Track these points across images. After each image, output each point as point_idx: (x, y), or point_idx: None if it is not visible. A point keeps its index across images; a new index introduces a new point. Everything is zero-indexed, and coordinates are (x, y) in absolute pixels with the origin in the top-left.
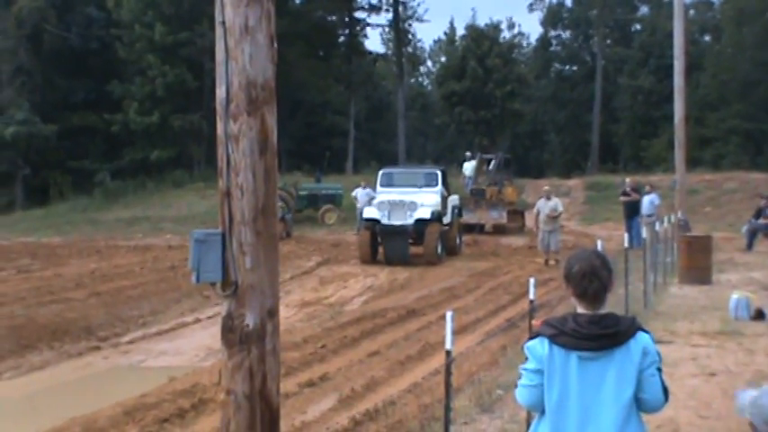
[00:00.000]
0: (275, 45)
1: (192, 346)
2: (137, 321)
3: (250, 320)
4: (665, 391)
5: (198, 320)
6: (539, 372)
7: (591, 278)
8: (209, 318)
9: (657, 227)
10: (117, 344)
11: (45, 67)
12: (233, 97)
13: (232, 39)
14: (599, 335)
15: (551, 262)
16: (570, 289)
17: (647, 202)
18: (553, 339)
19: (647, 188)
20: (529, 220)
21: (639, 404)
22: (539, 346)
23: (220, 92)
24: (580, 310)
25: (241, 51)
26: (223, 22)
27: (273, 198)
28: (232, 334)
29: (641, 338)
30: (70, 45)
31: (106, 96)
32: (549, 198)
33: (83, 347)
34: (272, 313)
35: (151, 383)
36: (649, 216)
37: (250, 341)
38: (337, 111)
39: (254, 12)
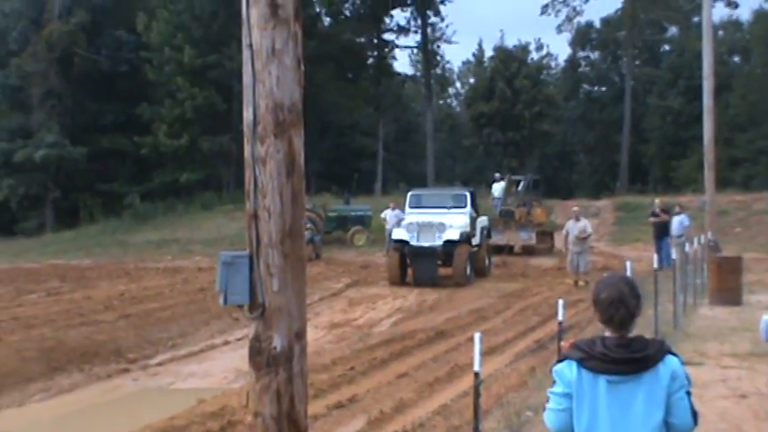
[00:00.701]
0: (302, 67)
1: (221, 369)
2: (166, 343)
3: (277, 342)
4: (695, 414)
5: (227, 342)
6: (567, 396)
7: (618, 306)
8: (239, 340)
9: (687, 248)
10: (146, 366)
11: (75, 89)
12: (260, 120)
13: (259, 61)
14: (628, 359)
15: (581, 283)
16: (598, 315)
17: (677, 223)
18: (581, 363)
19: (677, 209)
20: (558, 241)
21: (668, 428)
22: (567, 370)
23: (247, 114)
24: (607, 333)
25: (268, 74)
26: (250, 45)
27: (301, 220)
28: (260, 356)
29: (670, 362)
30: (100, 68)
31: (135, 119)
32: (578, 219)
33: (112, 370)
34: (300, 335)
35: (180, 406)
36: (679, 237)
37: (278, 363)
38: (366, 132)
39: (281, 34)
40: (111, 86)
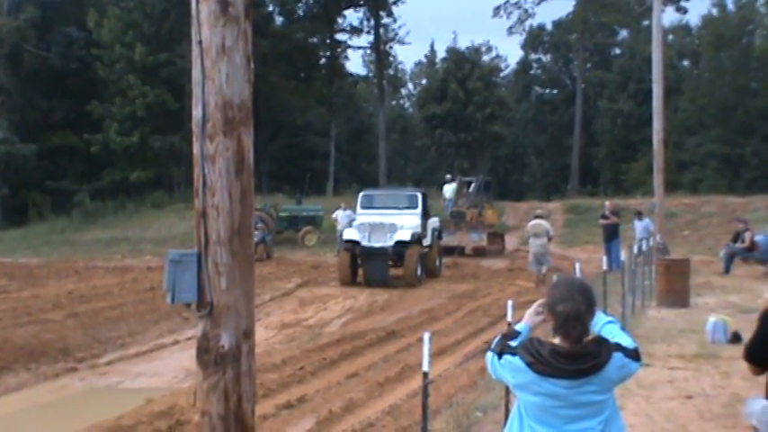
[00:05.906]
0: (252, 65)
1: (170, 368)
2: (115, 343)
3: (225, 341)
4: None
5: (176, 342)
6: (514, 385)
7: (575, 324)
8: (188, 339)
9: (644, 246)
10: (94, 365)
11: (24, 86)
12: (209, 117)
13: (209, 59)
14: (576, 370)
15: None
16: (552, 323)
17: (642, 227)
18: (530, 365)
19: (639, 215)
20: (509, 243)
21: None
22: (518, 364)
23: (197, 112)
24: (558, 341)
25: (218, 71)
26: (200, 42)
27: (249, 219)
28: (207, 355)
29: (616, 359)
30: (50, 65)
31: (86, 116)
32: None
33: (60, 369)
34: (248, 334)
35: (128, 405)
36: (641, 240)
37: (225, 362)
38: (318, 132)
39: (232, 32)
40: (61, 83)
